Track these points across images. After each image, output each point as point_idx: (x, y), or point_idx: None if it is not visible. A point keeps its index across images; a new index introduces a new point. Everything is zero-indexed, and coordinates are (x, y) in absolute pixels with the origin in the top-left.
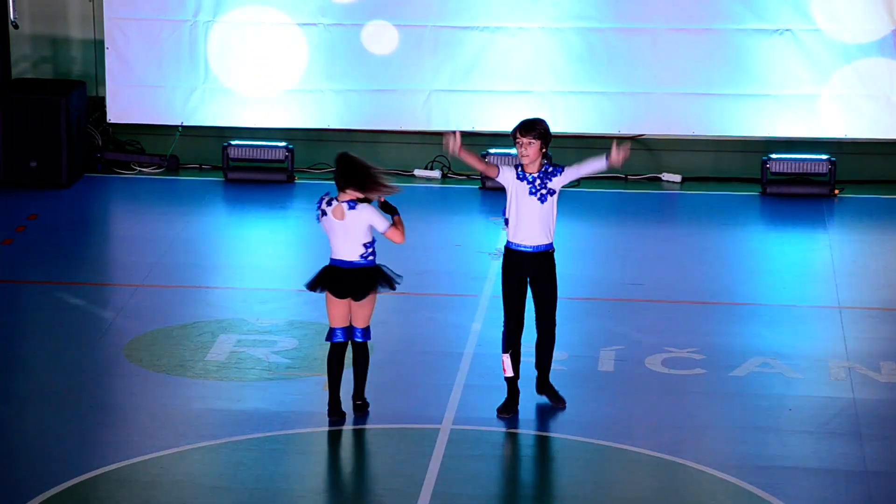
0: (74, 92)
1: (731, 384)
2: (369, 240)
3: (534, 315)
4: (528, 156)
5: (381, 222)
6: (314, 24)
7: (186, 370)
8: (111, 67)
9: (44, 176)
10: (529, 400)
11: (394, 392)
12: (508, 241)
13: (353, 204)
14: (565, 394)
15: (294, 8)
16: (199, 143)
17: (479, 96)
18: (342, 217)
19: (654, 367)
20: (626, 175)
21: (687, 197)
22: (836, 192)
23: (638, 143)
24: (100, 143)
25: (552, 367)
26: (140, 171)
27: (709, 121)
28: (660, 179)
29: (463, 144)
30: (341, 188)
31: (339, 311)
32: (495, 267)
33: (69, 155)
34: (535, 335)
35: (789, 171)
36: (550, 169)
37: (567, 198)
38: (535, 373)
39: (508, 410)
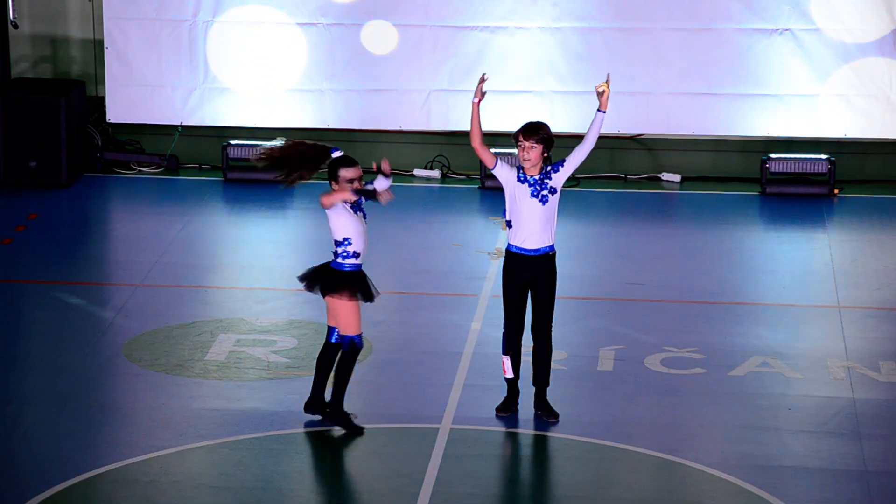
0: (74, 92)
1: (730, 384)
2: (338, 238)
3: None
4: (529, 160)
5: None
6: (314, 24)
7: (186, 370)
8: (111, 67)
9: (43, 176)
10: (529, 399)
11: (393, 392)
12: (510, 244)
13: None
14: (565, 394)
15: (293, 8)
16: (198, 142)
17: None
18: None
19: (654, 366)
20: (626, 175)
21: (686, 197)
22: (836, 191)
23: (637, 142)
24: (99, 142)
25: (551, 367)
26: (139, 170)
27: (708, 120)
28: (659, 179)
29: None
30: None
31: (328, 309)
32: (494, 267)
33: (69, 155)
34: (530, 338)
35: (789, 170)
36: (549, 168)
37: (567, 197)
38: (530, 375)
39: (507, 409)
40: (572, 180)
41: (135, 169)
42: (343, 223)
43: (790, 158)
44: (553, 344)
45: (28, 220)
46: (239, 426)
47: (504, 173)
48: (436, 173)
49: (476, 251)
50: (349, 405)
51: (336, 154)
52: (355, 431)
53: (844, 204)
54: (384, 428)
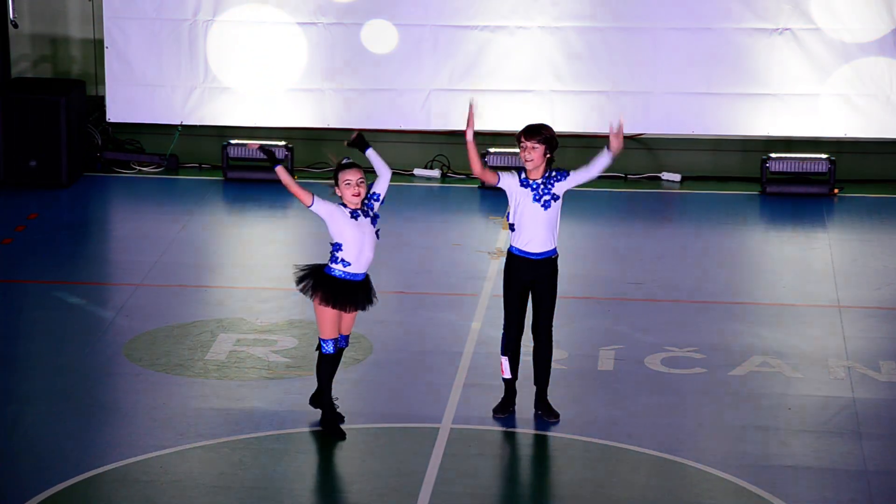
0: (74, 91)
1: (730, 383)
2: (331, 241)
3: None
4: (532, 160)
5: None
6: (314, 24)
7: (186, 369)
8: (111, 67)
9: (43, 175)
10: (529, 399)
11: (393, 391)
12: (512, 246)
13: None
14: (565, 393)
15: (293, 7)
16: (198, 142)
17: (478, 95)
18: None
19: (654, 366)
20: (626, 174)
21: (686, 196)
22: (836, 191)
23: (637, 142)
24: (99, 142)
25: (551, 367)
26: (140, 170)
27: (708, 120)
28: (659, 179)
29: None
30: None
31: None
32: (495, 266)
33: (69, 154)
34: (530, 337)
35: (789, 170)
36: (554, 173)
37: (566, 197)
38: (531, 375)
39: (504, 410)
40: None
41: (135, 168)
42: (336, 228)
43: (790, 158)
44: (553, 343)
45: (28, 220)
46: (239, 426)
47: (508, 181)
48: (436, 173)
49: (476, 251)
50: (349, 405)
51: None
52: (336, 434)
53: (844, 203)
54: (384, 427)
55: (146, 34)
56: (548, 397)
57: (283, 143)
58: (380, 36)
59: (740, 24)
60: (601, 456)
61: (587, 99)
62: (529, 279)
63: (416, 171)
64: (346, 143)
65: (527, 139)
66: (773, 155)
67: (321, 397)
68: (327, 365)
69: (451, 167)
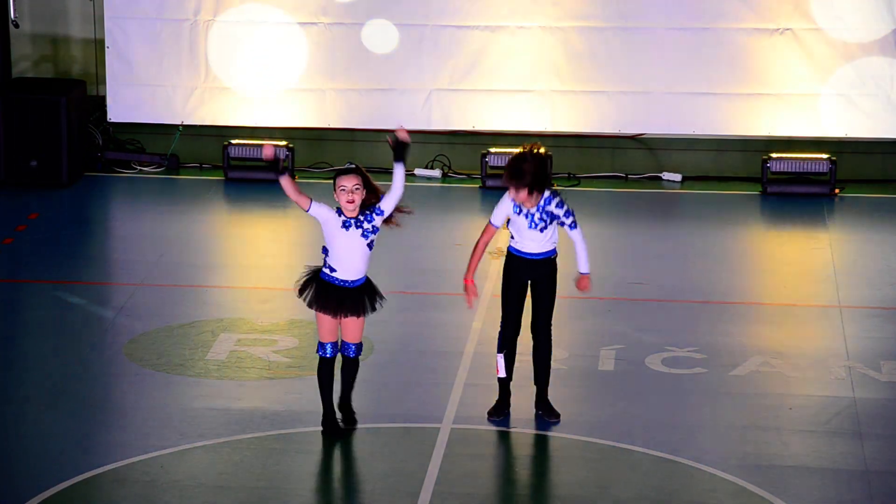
0: (75, 91)
1: (731, 383)
2: (324, 244)
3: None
4: (523, 200)
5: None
6: (314, 24)
7: (187, 369)
8: (111, 66)
9: (44, 175)
10: (528, 399)
11: (394, 391)
12: (511, 246)
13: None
14: (565, 393)
15: (294, 7)
16: (199, 142)
17: (479, 95)
18: None
19: (655, 366)
20: (627, 174)
21: (687, 196)
22: (837, 191)
23: (638, 142)
24: (100, 142)
25: (551, 367)
26: (140, 170)
27: (709, 120)
28: (660, 179)
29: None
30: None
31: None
32: (496, 266)
33: (69, 154)
34: (530, 337)
35: (790, 170)
36: (546, 199)
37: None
38: (531, 375)
39: (499, 413)
40: (573, 180)
41: (136, 168)
42: (327, 233)
43: (791, 158)
44: (553, 343)
45: (29, 220)
46: (240, 426)
47: (502, 213)
48: (437, 173)
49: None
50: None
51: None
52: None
53: (845, 203)
54: (385, 427)
55: (147, 34)
56: (548, 397)
57: (284, 142)
58: (381, 36)
59: (741, 23)
60: (602, 456)
61: (588, 99)
62: (528, 277)
63: (417, 171)
64: (389, 140)
65: (513, 185)
66: (773, 155)
67: (342, 400)
68: (321, 368)
69: (451, 167)
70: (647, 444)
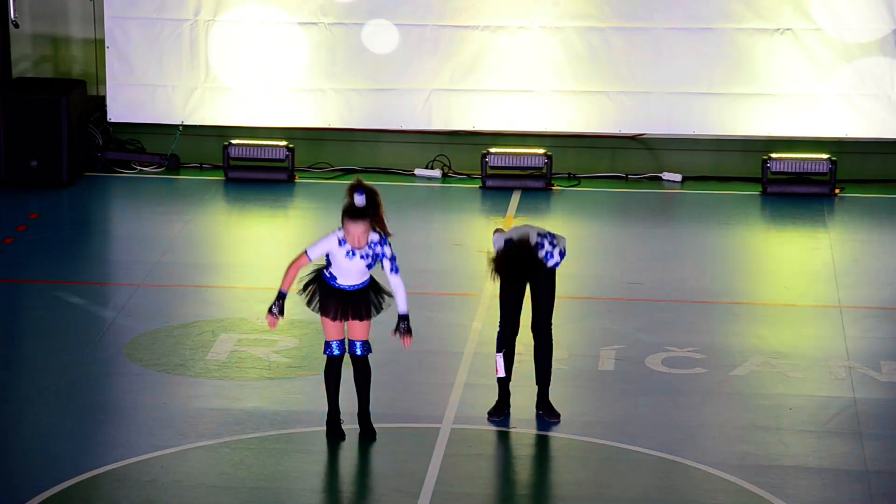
0: (75, 91)
1: (731, 383)
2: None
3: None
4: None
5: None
6: (315, 24)
7: (187, 369)
8: (112, 66)
9: (44, 175)
10: (530, 399)
11: (394, 391)
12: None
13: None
14: (566, 393)
15: (294, 7)
16: (199, 142)
17: (479, 95)
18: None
19: (655, 366)
20: (627, 174)
21: (687, 196)
22: (837, 191)
23: (638, 142)
24: (100, 142)
25: (552, 367)
26: (140, 170)
27: (709, 120)
28: (660, 179)
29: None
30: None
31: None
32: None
33: (70, 154)
34: (530, 337)
35: (790, 170)
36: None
37: (567, 197)
38: (531, 375)
39: (499, 413)
40: (573, 180)
41: (136, 168)
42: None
43: (791, 158)
44: (553, 343)
45: (29, 220)
46: (240, 426)
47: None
48: (437, 173)
49: (477, 251)
50: (350, 405)
51: (358, 199)
52: (336, 435)
53: (845, 203)
54: (385, 427)
55: (147, 34)
56: (549, 397)
57: (284, 143)
58: (381, 36)
59: (741, 24)
60: (602, 456)
61: (588, 99)
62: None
63: (417, 171)
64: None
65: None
66: (773, 155)
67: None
68: (329, 367)
69: (451, 167)
70: (647, 444)
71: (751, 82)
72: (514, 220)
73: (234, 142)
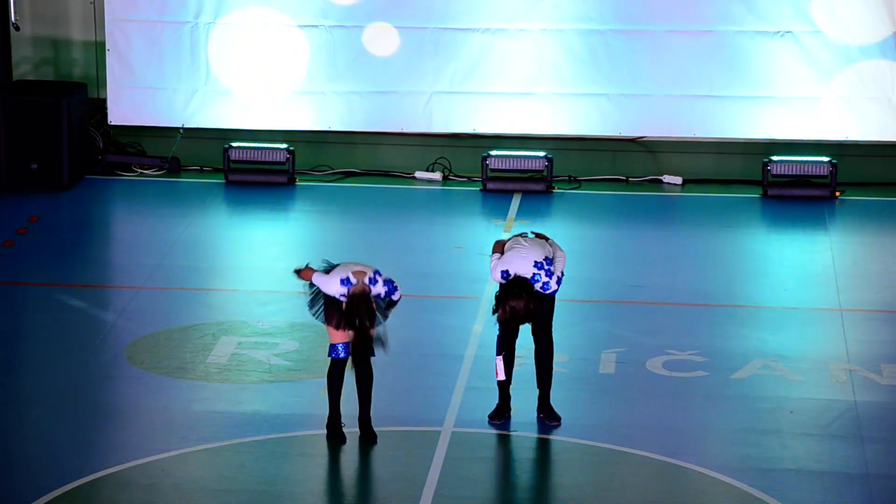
0: (75, 94)
1: (732, 387)
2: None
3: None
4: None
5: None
6: (315, 26)
7: (187, 372)
8: (112, 69)
9: (45, 178)
10: (531, 402)
11: (395, 394)
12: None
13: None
14: (567, 396)
15: (295, 10)
16: (200, 145)
17: (480, 98)
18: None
19: (656, 369)
20: (627, 177)
21: (688, 199)
22: (838, 194)
23: (639, 145)
24: (101, 144)
25: (553, 370)
26: (141, 172)
27: (710, 123)
28: (661, 181)
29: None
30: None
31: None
32: None
33: (70, 157)
34: (530, 339)
35: (790, 173)
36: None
37: (568, 200)
38: (532, 377)
39: (499, 416)
40: (573, 183)
41: (136, 171)
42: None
43: (792, 161)
44: (554, 346)
45: (29, 223)
46: (241, 429)
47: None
48: (437, 175)
49: (478, 253)
50: (350, 408)
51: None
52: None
53: (846, 206)
54: (386, 431)
55: (148, 37)
56: (550, 401)
57: (284, 145)
58: (381, 38)
59: (742, 26)
60: (603, 459)
61: (589, 102)
62: None
63: (418, 174)
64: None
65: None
66: (774, 158)
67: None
68: (332, 370)
69: (452, 170)
70: (648, 447)
71: (751, 85)
72: (513, 223)
73: (234, 144)
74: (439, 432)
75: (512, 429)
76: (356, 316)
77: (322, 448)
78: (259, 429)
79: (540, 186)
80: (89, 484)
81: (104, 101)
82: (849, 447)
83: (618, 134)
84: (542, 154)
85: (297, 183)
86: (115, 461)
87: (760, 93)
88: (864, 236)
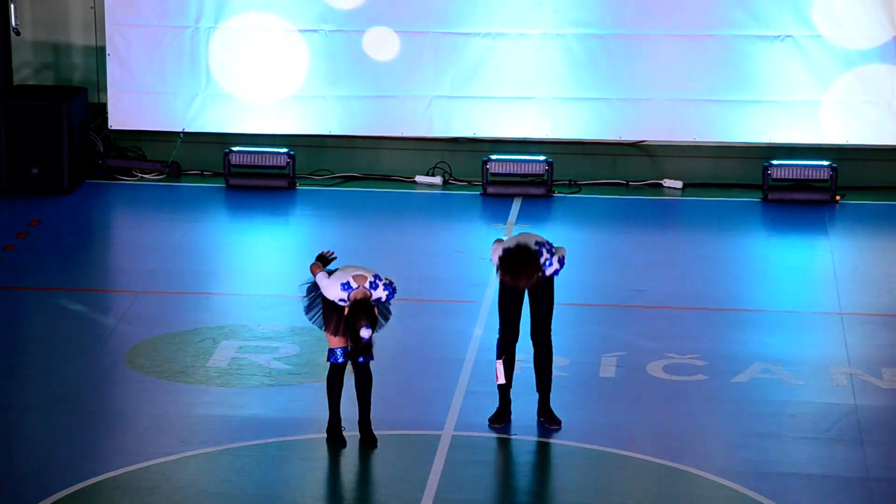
0: (76, 98)
1: (732, 390)
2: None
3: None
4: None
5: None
6: (315, 31)
7: (188, 376)
8: (113, 74)
9: (45, 182)
10: (531, 406)
11: (395, 398)
12: None
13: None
14: (567, 400)
15: (295, 14)
16: (200, 149)
17: (480, 103)
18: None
19: (656, 373)
20: (627, 181)
21: (688, 203)
22: (838, 198)
23: (639, 149)
24: (101, 149)
25: (553, 374)
26: (141, 177)
27: (710, 127)
28: (661, 186)
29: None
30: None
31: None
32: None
33: (71, 161)
34: (530, 343)
35: (790, 177)
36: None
37: (568, 204)
38: (532, 380)
39: (500, 420)
40: (574, 187)
41: (137, 175)
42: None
43: (792, 165)
44: (554, 350)
45: (30, 227)
46: (241, 433)
47: None
48: (437, 180)
49: (478, 257)
50: (350, 412)
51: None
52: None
53: (846, 210)
54: (386, 434)
55: (148, 41)
56: (550, 404)
57: (284, 150)
58: (381, 43)
59: (742, 31)
60: (603, 463)
61: (589, 106)
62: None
63: (418, 178)
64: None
65: None
66: (774, 162)
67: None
68: (332, 374)
69: (452, 174)
70: (648, 451)
71: (751, 89)
72: (514, 226)
73: (234, 149)
74: (439, 436)
75: (512, 432)
76: (356, 323)
77: (322, 452)
78: (259, 432)
79: (540, 190)
80: (90, 487)
81: (104, 105)
82: (849, 451)
83: (618, 138)
84: (542, 158)
85: (297, 187)
86: (116, 465)
87: (761, 97)
88: (864, 240)
